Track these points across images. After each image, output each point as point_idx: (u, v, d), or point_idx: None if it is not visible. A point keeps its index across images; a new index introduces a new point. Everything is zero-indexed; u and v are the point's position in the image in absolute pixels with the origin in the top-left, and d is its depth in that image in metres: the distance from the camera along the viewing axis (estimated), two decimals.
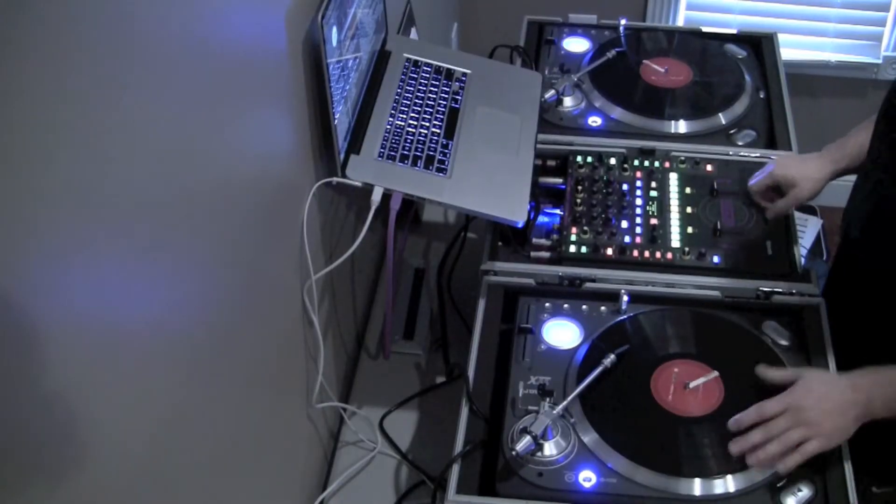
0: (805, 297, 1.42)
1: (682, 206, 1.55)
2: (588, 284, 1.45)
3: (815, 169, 1.51)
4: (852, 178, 1.49)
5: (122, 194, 0.81)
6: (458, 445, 1.26)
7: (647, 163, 1.63)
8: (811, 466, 1.21)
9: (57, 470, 0.75)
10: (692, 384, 1.29)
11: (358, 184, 1.40)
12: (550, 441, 1.23)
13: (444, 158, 1.48)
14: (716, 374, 1.30)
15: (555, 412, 1.23)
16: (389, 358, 1.72)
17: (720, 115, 1.71)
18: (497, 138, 1.56)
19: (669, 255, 1.48)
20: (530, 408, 1.27)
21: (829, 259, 2.23)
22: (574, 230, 1.52)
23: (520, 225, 1.45)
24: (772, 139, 1.67)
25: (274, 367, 1.32)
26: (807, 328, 1.39)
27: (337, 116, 1.35)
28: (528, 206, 1.46)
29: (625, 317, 1.42)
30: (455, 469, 1.24)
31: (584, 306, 1.43)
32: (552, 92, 1.70)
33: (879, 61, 2.59)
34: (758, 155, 1.63)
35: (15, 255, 0.66)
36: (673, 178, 1.60)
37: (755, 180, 1.57)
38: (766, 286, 1.43)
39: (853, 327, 1.41)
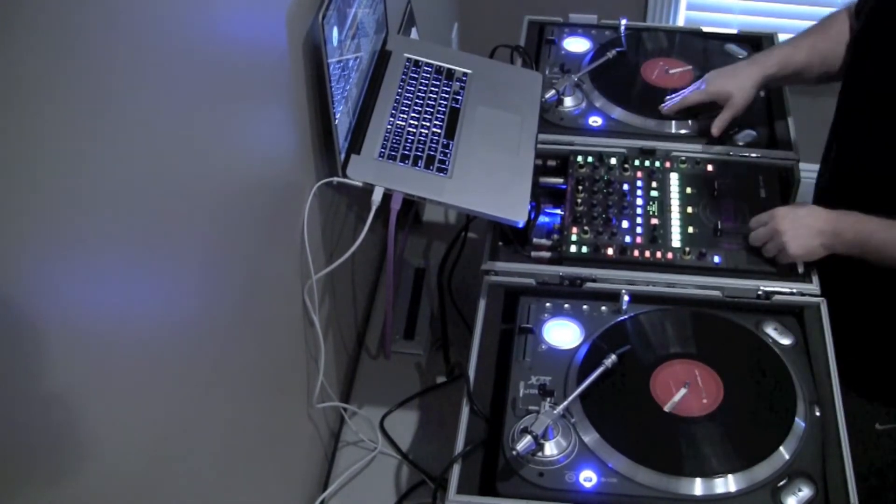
0: (805, 296, 1.42)
1: (682, 206, 1.55)
2: (589, 284, 1.45)
3: (747, 77, 1.59)
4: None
5: (122, 194, 0.81)
6: (459, 445, 1.26)
7: (647, 163, 1.62)
8: (811, 466, 1.21)
9: (57, 470, 0.75)
10: (675, 398, 1.28)
11: (358, 184, 1.40)
12: (551, 441, 1.23)
13: (444, 158, 1.48)
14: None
15: (555, 412, 1.23)
16: (390, 358, 1.72)
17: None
18: (497, 138, 1.56)
19: (670, 255, 1.48)
20: (531, 408, 1.27)
21: None
22: (574, 230, 1.51)
23: (520, 225, 1.45)
24: (772, 139, 1.67)
25: (274, 367, 1.32)
26: (807, 328, 1.39)
27: (338, 116, 1.35)
28: (529, 206, 1.46)
29: (625, 317, 1.42)
30: (456, 469, 1.23)
31: (584, 306, 1.43)
32: (552, 92, 1.70)
33: None
34: (758, 155, 1.63)
35: (15, 255, 0.66)
36: (673, 177, 1.60)
37: (689, 92, 1.64)
38: (766, 286, 1.43)
39: (846, 307, 1.43)
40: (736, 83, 1.59)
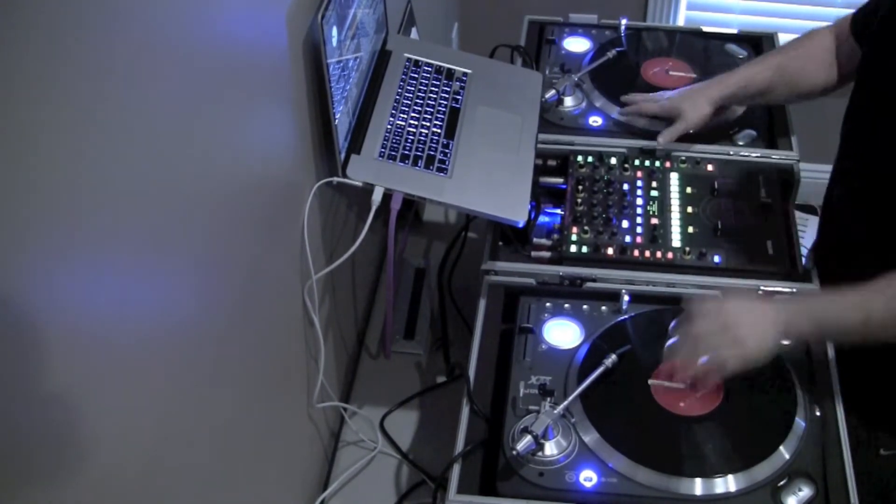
0: None
1: (682, 206, 1.55)
2: (589, 284, 1.45)
3: (703, 96, 1.60)
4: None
5: (122, 194, 0.81)
6: (459, 445, 1.26)
7: (647, 162, 1.62)
8: (811, 466, 1.21)
9: (57, 470, 0.75)
10: (665, 383, 1.29)
11: (358, 184, 1.40)
12: (551, 441, 1.23)
13: (444, 158, 1.48)
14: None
15: (556, 412, 1.23)
16: (390, 358, 1.72)
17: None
18: (498, 138, 1.56)
19: (670, 255, 1.48)
20: (531, 407, 1.27)
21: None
22: (575, 230, 1.51)
23: (520, 225, 1.45)
24: (772, 139, 1.67)
25: (274, 367, 1.32)
26: None
27: (337, 116, 1.35)
28: (529, 206, 1.46)
29: (625, 317, 1.42)
30: (456, 469, 1.24)
31: (584, 306, 1.43)
32: (553, 92, 1.70)
33: None
34: (758, 155, 1.63)
35: (15, 255, 0.66)
36: (673, 177, 1.60)
37: (646, 99, 1.65)
38: (766, 286, 1.43)
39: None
40: (691, 102, 1.60)
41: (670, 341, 1.28)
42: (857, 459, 1.21)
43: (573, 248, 1.49)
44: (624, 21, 1.89)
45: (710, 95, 1.59)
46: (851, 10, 1.55)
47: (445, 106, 1.57)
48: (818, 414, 1.27)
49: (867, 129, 1.43)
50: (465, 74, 1.65)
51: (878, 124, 1.39)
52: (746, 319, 1.23)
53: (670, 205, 1.56)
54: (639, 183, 1.59)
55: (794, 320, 1.24)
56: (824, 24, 1.61)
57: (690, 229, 1.52)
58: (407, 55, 1.62)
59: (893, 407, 1.40)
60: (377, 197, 1.40)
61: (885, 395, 1.30)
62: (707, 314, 1.25)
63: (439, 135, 1.52)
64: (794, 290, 1.42)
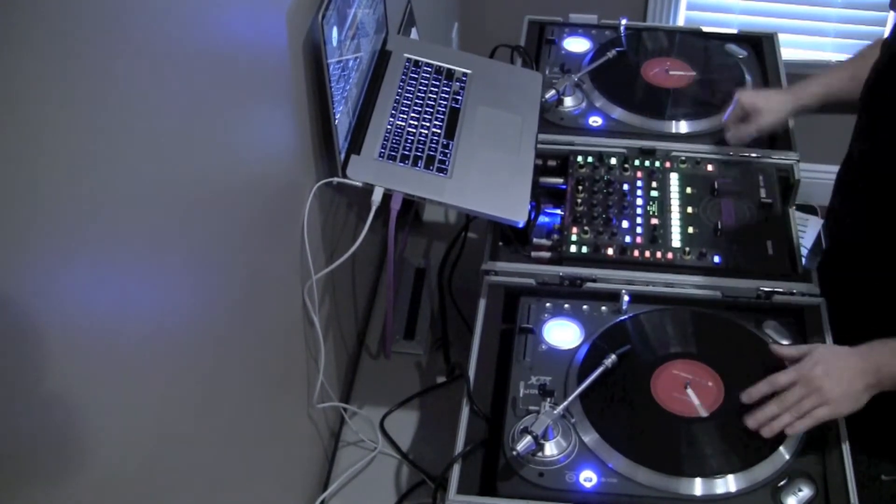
0: (805, 296, 1.42)
1: (682, 206, 1.55)
2: (589, 284, 1.45)
3: (778, 101, 1.60)
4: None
5: (122, 194, 0.81)
6: (459, 445, 1.26)
7: (647, 163, 1.63)
8: (811, 466, 1.21)
9: (57, 471, 0.75)
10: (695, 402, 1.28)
11: (358, 184, 1.40)
12: (551, 441, 1.23)
13: (444, 158, 1.48)
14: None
15: (556, 412, 1.23)
16: (390, 358, 1.72)
17: (721, 114, 1.70)
18: (498, 138, 1.56)
19: (670, 255, 1.48)
20: (531, 408, 1.27)
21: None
22: (575, 230, 1.52)
23: (520, 225, 1.45)
24: (772, 139, 1.67)
25: (275, 367, 1.32)
26: (807, 328, 1.39)
27: (337, 116, 1.35)
28: (529, 206, 1.46)
29: (625, 317, 1.42)
30: (456, 469, 1.24)
31: (584, 306, 1.43)
32: (553, 92, 1.70)
33: None
34: (758, 155, 1.63)
35: (15, 255, 0.66)
36: (673, 177, 1.60)
37: (727, 114, 1.64)
38: (766, 286, 1.43)
39: (848, 307, 1.42)
40: (766, 103, 1.58)
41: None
42: (858, 485, 1.21)
43: (573, 249, 1.49)
44: (624, 21, 1.89)
45: (787, 104, 1.58)
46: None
47: (445, 106, 1.57)
48: None
49: (869, 130, 1.43)
50: (465, 74, 1.65)
51: (879, 125, 1.39)
52: (833, 381, 1.23)
53: (670, 205, 1.56)
54: (639, 183, 1.59)
55: (879, 378, 1.23)
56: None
57: (690, 229, 1.52)
58: (407, 55, 1.62)
59: (894, 433, 1.40)
60: (377, 197, 1.40)
61: (885, 421, 1.29)
62: (796, 381, 1.24)
63: (439, 135, 1.52)
64: (794, 290, 1.43)
